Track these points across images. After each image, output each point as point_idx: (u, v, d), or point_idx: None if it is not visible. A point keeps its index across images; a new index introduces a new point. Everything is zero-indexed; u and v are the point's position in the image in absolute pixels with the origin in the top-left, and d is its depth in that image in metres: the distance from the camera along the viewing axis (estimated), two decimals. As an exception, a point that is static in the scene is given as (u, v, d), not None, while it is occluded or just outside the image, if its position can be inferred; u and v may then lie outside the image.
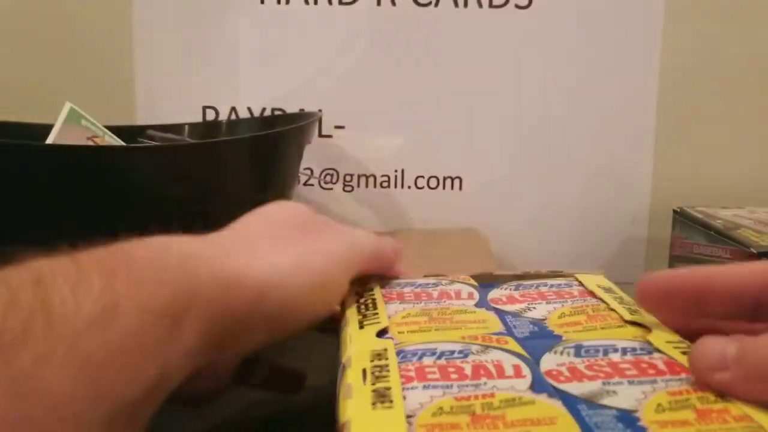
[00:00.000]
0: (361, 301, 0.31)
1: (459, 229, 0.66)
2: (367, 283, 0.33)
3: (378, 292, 0.32)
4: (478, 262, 0.55)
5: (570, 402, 0.21)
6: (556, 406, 0.20)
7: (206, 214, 0.44)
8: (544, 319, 0.29)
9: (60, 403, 0.18)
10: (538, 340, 0.27)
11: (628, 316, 0.28)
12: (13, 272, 0.20)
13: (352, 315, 0.29)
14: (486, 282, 0.35)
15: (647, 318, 0.28)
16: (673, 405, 0.21)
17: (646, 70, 0.64)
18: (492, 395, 0.21)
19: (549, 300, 0.32)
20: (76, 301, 0.19)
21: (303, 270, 0.28)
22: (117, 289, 0.20)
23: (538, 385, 0.22)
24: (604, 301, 0.31)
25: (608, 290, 0.32)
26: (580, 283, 0.34)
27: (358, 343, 0.26)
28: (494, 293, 0.33)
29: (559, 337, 0.27)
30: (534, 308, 0.31)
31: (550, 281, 0.34)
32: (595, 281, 0.34)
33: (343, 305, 0.31)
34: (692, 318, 0.26)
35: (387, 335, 0.27)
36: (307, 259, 0.29)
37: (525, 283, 0.34)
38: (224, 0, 0.66)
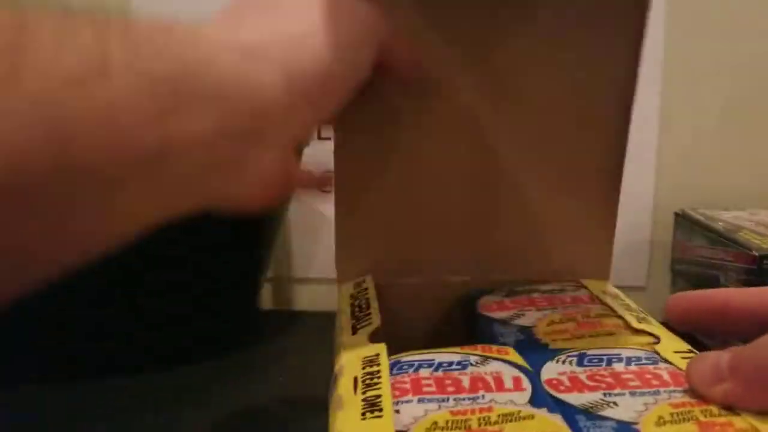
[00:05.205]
0: (355, 303, 0.30)
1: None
2: (361, 284, 0.33)
3: (371, 289, 0.31)
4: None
5: (568, 413, 0.20)
6: (557, 421, 0.20)
7: (201, 217, 0.43)
8: (532, 327, 0.29)
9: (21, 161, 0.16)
10: (528, 348, 0.26)
11: (636, 324, 0.27)
12: None
13: (346, 320, 0.29)
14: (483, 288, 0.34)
15: (656, 327, 0.27)
16: (674, 417, 0.20)
17: (648, 71, 0.63)
18: (490, 409, 0.20)
19: (539, 307, 0.31)
20: (57, 50, 0.17)
21: (332, 29, 0.23)
22: (110, 48, 0.18)
23: (539, 398, 0.21)
24: (611, 308, 0.30)
25: (615, 297, 0.32)
26: (577, 288, 0.33)
27: (350, 350, 0.25)
28: (486, 299, 0.33)
29: (545, 347, 0.27)
30: (522, 315, 0.30)
31: (543, 287, 0.34)
32: (600, 287, 0.33)
33: (339, 310, 0.31)
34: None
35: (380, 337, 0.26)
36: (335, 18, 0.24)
37: (518, 289, 0.34)
38: (223, -2, 0.66)
